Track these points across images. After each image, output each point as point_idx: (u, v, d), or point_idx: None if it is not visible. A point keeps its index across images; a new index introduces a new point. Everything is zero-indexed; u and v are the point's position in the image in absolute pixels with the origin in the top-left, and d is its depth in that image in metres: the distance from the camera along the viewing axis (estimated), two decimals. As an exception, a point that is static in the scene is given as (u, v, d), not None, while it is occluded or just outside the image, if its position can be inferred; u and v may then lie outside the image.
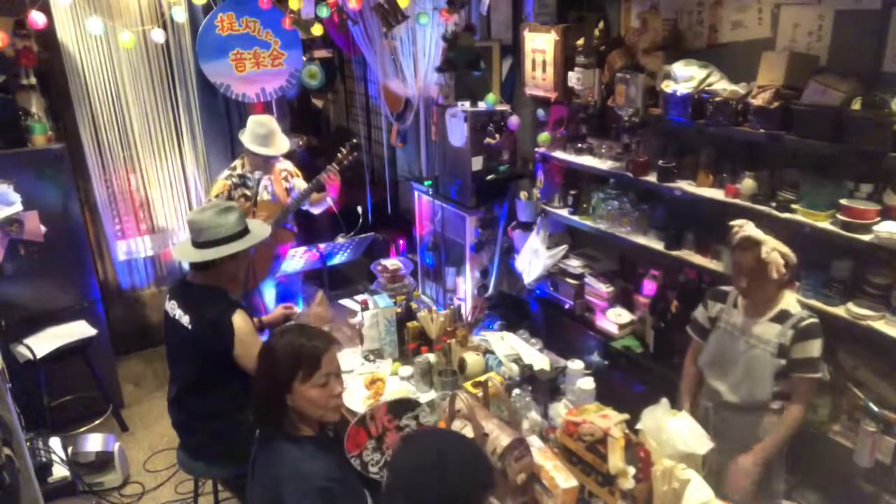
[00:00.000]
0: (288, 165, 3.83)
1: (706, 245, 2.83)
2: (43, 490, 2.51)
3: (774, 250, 2.11)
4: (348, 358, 2.88)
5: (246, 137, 3.54)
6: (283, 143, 3.60)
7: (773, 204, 2.49)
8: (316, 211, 3.86)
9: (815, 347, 2.14)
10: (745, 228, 2.17)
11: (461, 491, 1.39)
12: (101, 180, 4.30)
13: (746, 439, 2.23)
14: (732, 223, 2.22)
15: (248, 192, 3.58)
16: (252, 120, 3.56)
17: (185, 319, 2.43)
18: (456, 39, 3.66)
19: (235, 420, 2.52)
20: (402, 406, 2.39)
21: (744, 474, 2.18)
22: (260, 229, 2.57)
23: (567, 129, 3.47)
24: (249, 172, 3.59)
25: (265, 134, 3.51)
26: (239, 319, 2.37)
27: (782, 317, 2.19)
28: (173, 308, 2.49)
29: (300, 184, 3.77)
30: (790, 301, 2.21)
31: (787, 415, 2.20)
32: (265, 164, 3.58)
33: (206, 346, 2.40)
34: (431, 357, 2.72)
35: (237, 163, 3.68)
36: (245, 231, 2.46)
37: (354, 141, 3.74)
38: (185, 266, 2.56)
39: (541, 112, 3.59)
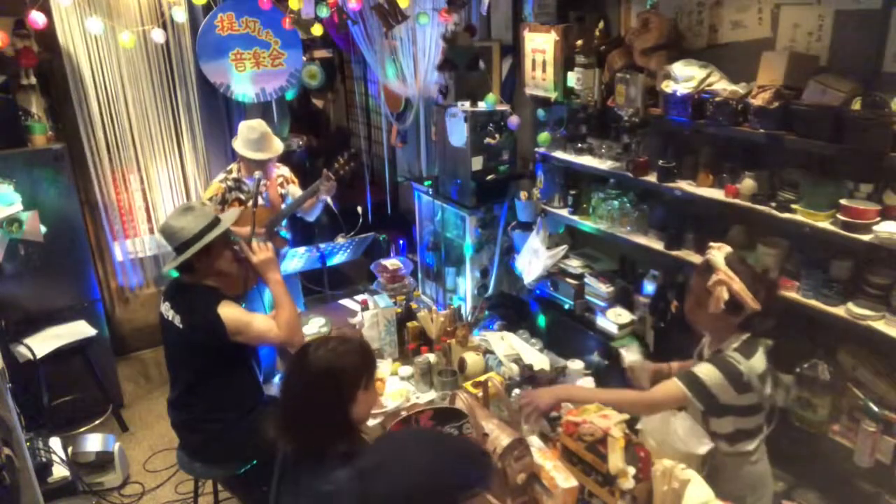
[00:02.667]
0: (285, 171, 3.79)
1: (706, 245, 2.82)
2: (43, 490, 2.52)
3: (722, 284, 1.94)
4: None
5: (238, 143, 3.51)
6: (276, 146, 3.57)
7: (773, 204, 2.49)
8: (310, 219, 3.82)
9: (704, 369, 1.96)
10: (713, 253, 2.03)
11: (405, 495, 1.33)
12: (101, 180, 4.30)
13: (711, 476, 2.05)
14: (712, 244, 2.09)
15: (242, 196, 3.56)
16: (243, 125, 3.53)
17: (177, 320, 2.45)
18: (455, 40, 3.67)
19: (235, 420, 2.53)
20: (449, 415, 2.34)
21: (541, 393, 2.08)
22: (229, 217, 2.58)
23: (567, 129, 3.47)
24: (246, 177, 3.57)
25: (257, 138, 3.47)
26: (224, 309, 2.39)
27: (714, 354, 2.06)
28: (167, 310, 2.50)
29: (295, 191, 3.74)
30: (733, 343, 2.02)
31: (630, 392, 2.05)
32: (260, 168, 3.53)
33: (200, 343, 2.42)
34: (431, 357, 2.72)
35: (233, 166, 3.65)
36: (213, 224, 2.45)
37: (353, 151, 3.71)
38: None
39: (541, 112, 3.59)
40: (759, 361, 2.00)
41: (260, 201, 3.58)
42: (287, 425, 1.67)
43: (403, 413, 2.36)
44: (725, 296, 1.94)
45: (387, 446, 1.48)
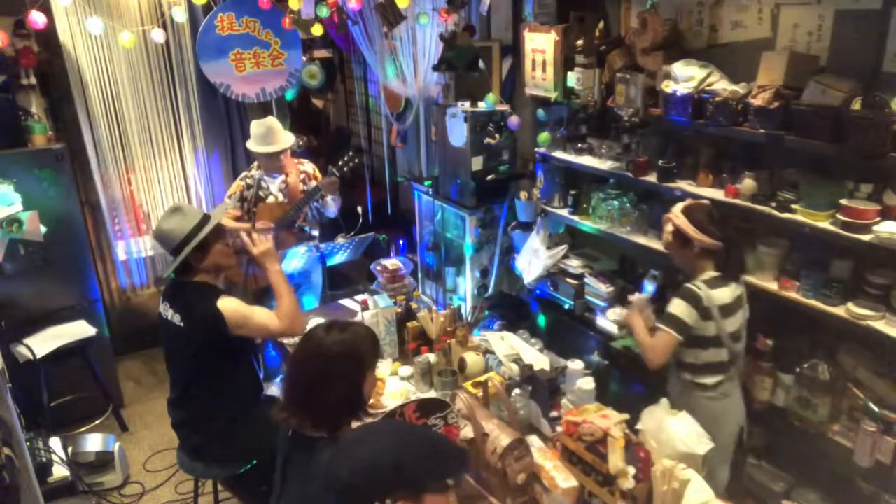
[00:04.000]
0: (308, 168, 3.84)
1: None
2: (43, 490, 2.52)
3: (668, 221, 2.37)
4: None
5: (250, 142, 3.62)
6: (283, 139, 3.65)
7: (773, 204, 2.49)
8: (330, 214, 3.85)
9: (671, 303, 2.30)
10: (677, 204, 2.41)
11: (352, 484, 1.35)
12: (101, 180, 4.30)
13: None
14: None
15: (261, 194, 3.65)
16: (252, 123, 3.64)
17: (176, 318, 2.45)
18: (454, 40, 3.66)
19: (235, 420, 2.52)
20: (433, 406, 2.35)
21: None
22: (217, 213, 2.60)
23: (567, 129, 3.47)
24: (266, 174, 3.67)
25: (263, 132, 3.57)
26: (224, 302, 2.40)
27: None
28: (166, 309, 2.51)
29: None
30: (702, 277, 2.31)
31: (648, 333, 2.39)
32: (276, 163, 3.63)
33: (201, 340, 2.42)
34: (431, 357, 2.72)
35: (254, 164, 3.76)
36: (203, 222, 2.46)
37: (357, 147, 3.75)
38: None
39: (541, 112, 3.59)
40: (722, 294, 2.28)
41: (281, 198, 3.67)
42: (302, 405, 1.75)
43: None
44: (669, 228, 2.36)
45: (359, 432, 1.54)
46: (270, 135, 3.58)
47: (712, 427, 2.23)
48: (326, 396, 1.73)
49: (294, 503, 1.76)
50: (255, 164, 3.77)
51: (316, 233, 3.90)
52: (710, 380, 2.35)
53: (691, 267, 2.36)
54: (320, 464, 1.65)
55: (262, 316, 2.48)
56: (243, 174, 3.77)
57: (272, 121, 3.64)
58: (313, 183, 3.77)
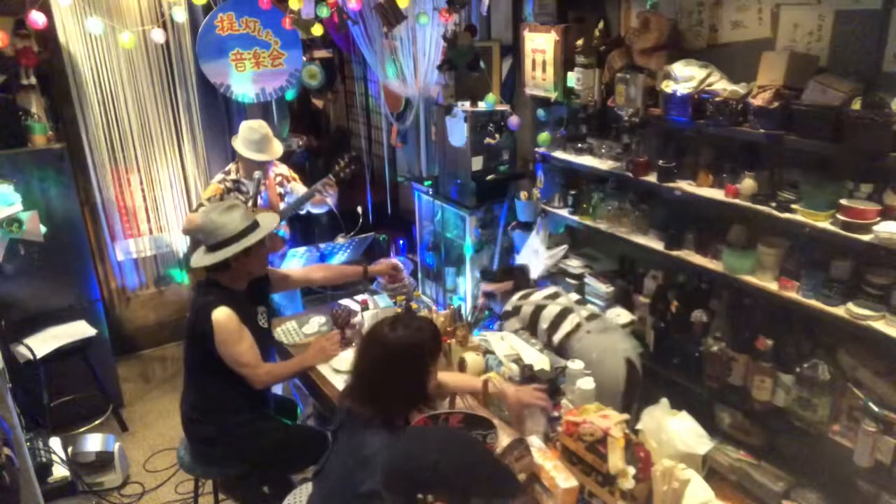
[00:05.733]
0: (283, 170, 3.77)
1: (706, 245, 2.83)
2: (43, 490, 2.52)
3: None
4: (350, 358, 2.88)
5: (239, 144, 3.49)
6: (276, 149, 3.56)
7: (773, 204, 2.49)
8: (316, 211, 3.83)
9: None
10: None
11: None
12: (101, 180, 4.30)
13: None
14: None
15: (241, 197, 3.53)
16: (244, 125, 3.51)
17: (191, 315, 2.48)
18: (456, 40, 3.66)
19: (237, 421, 2.52)
20: (478, 422, 2.31)
21: None
22: (269, 221, 2.59)
23: (567, 129, 3.47)
24: (244, 177, 3.56)
25: (258, 139, 3.46)
26: (219, 314, 2.37)
27: None
28: (192, 300, 2.55)
29: (298, 188, 3.72)
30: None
31: None
32: (259, 169, 3.53)
33: (194, 341, 2.44)
34: (431, 357, 2.72)
35: (231, 167, 3.64)
36: (254, 225, 2.47)
37: (353, 154, 3.70)
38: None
39: (541, 112, 3.59)
40: None
41: (260, 201, 3.58)
42: (367, 397, 1.84)
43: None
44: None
45: (417, 430, 1.67)
46: (265, 143, 3.48)
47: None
48: (390, 389, 1.83)
49: (334, 470, 1.84)
50: (233, 165, 3.64)
51: (287, 235, 3.87)
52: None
53: None
54: (365, 444, 1.75)
55: (245, 352, 2.43)
56: (220, 177, 3.61)
57: (265, 127, 3.52)
58: (292, 183, 3.73)
